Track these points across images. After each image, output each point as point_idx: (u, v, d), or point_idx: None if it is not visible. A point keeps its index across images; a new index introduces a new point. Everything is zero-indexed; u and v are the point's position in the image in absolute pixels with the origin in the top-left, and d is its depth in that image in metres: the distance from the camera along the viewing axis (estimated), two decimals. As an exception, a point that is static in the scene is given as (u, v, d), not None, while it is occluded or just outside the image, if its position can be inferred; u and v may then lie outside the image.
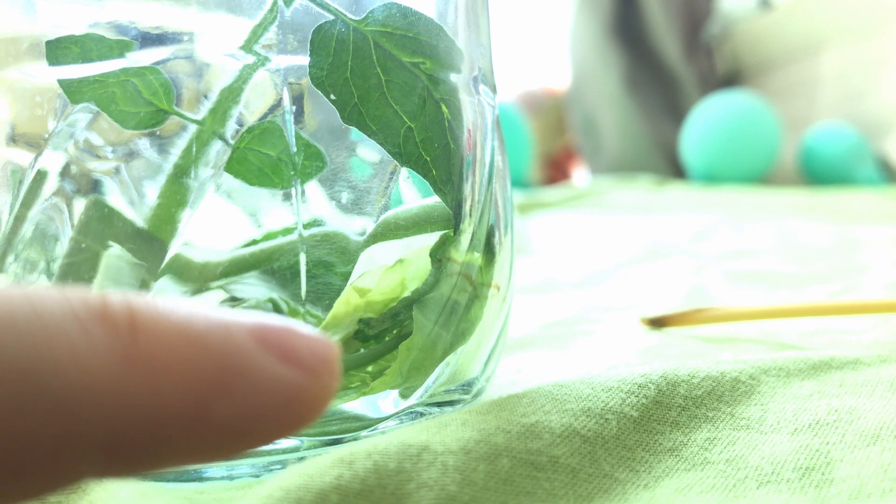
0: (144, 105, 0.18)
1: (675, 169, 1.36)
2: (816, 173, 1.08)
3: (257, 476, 0.19)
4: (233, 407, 0.10)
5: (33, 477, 0.09)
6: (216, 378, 0.10)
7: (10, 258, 0.19)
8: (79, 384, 0.09)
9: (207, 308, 0.11)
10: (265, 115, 0.19)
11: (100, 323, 0.10)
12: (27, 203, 0.19)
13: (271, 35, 0.18)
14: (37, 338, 0.09)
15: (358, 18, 0.19)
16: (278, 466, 0.19)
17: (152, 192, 0.19)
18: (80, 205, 0.19)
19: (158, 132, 0.19)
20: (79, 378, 0.09)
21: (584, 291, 0.45)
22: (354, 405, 0.20)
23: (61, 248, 0.19)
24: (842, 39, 1.19)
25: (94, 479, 0.10)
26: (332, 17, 0.18)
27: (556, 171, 1.63)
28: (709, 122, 1.14)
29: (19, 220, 0.19)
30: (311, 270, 0.19)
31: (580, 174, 1.63)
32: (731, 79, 1.45)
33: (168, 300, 0.11)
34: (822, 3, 1.21)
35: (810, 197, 0.90)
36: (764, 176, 1.15)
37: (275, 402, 0.11)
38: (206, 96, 0.19)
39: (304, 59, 0.19)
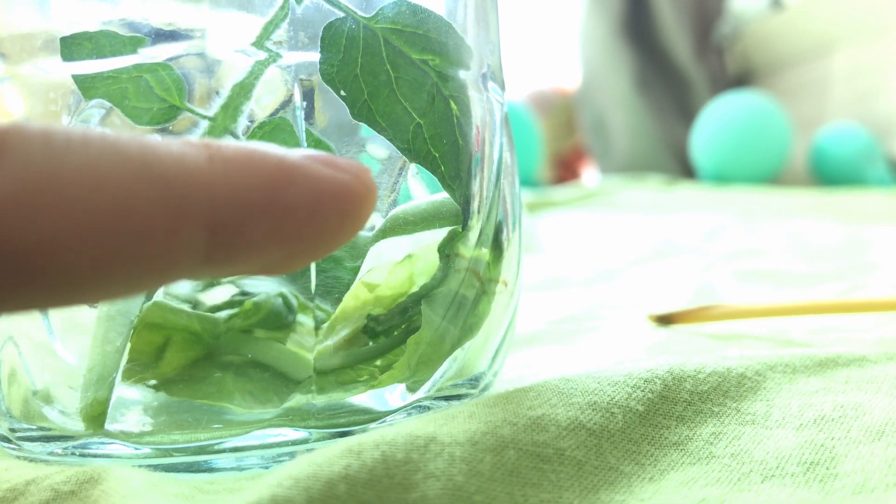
0: (157, 101, 0.19)
1: (684, 169, 1.36)
2: (827, 174, 1.07)
3: (266, 467, 0.19)
4: (299, 192, 0.13)
5: (153, 257, 0.11)
6: (281, 171, 0.13)
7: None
8: (180, 170, 0.12)
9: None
10: (276, 112, 0.19)
11: (182, 141, 0.12)
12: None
13: (282, 32, 0.19)
14: (143, 141, 0.12)
15: (368, 15, 0.19)
16: (287, 458, 0.19)
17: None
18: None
19: (170, 128, 0.19)
20: (178, 167, 0.12)
21: (592, 289, 0.45)
22: (362, 398, 0.20)
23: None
24: (853, 40, 1.18)
25: (198, 269, 0.12)
26: (342, 15, 0.19)
27: (565, 170, 1.63)
28: (719, 122, 1.14)
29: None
30: (320, 265, 0.20)
31: (590, 174, 1.62)
32: (741, 79, 1.45)
33: None
34: (833, 4, 1.20)
35: (821, 197, 0.89)
36: (774, 176, 1.15)
37: (332, 192, 0.13)
38: (217, 92, 0.19)
39: (314, 56, 0.19)
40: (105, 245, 0.11)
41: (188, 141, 0.12)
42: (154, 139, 0.12)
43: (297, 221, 0.13)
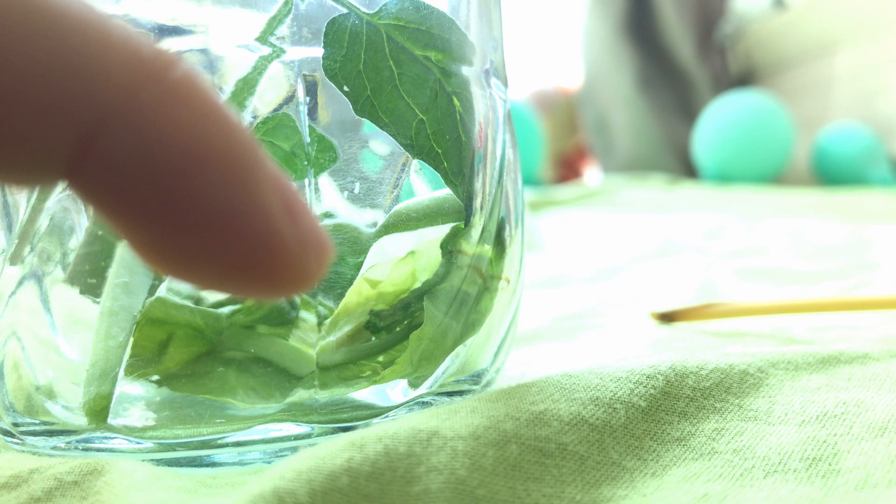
0: (160, 97, 0.19)
1: (687, 168, 1.36)
2: (830, 173, 1.07)
3: (268, 462, 0.19)
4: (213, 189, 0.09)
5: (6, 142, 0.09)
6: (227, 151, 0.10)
7: (27, 249, 0.19)
8: (103, 68, 0.09)
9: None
10: (279, 107, 0.19)
11: (144, 49, 0.09)
12: (43, 195, 0.19)
13: (286, 27, 0.19)
14: (93, 15, 0.09)
15: (371, 12, 0.19)
16: (289, 453, 0.19)
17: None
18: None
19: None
20: (109, 68, 0.09)
21: (594, 287, 0.45)
22: (365, 394, 0.20)
23: (76, 240, 0.19)
24: (856, 40, 1.18)
25: (51, 178, 0.09)
26: (345, 11, 0.19)
27: (567, 169, 1.63)
28: (721, 121, 1.14)
29: (35, 211, 0.19)
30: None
31: (592, 173, 1.62)
32: (744, 78, 1.45)
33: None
34: (836, 4, 1.20)
35: (823, 197, 0.89)
36: (777, 176, 1.15)
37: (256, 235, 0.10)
38: (221, 88, 0.19)
39: (317, 52, 0.19)
40: None
41: (159, 52, 0.10)
42: (120, 26, 0.09)
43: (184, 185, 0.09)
